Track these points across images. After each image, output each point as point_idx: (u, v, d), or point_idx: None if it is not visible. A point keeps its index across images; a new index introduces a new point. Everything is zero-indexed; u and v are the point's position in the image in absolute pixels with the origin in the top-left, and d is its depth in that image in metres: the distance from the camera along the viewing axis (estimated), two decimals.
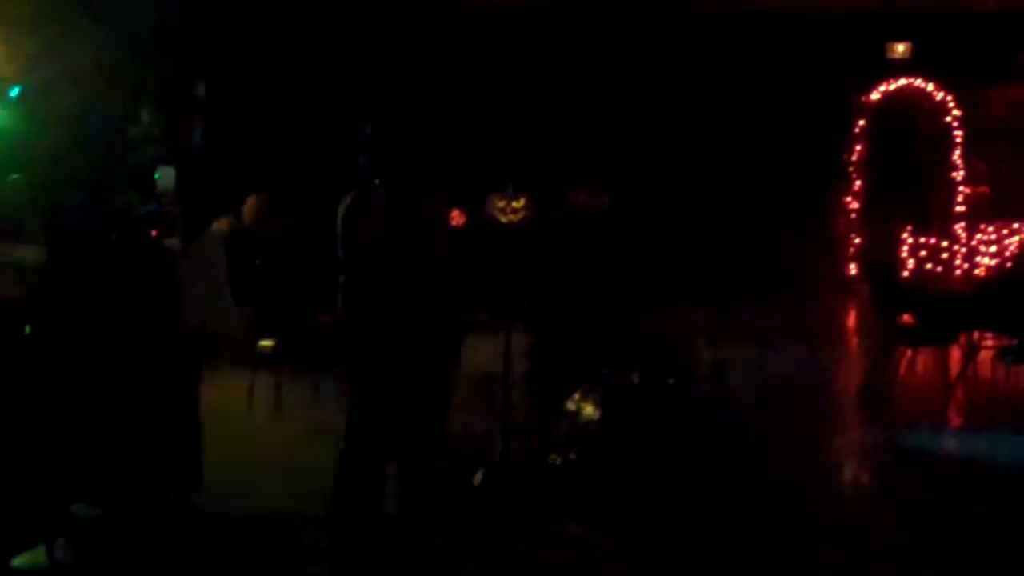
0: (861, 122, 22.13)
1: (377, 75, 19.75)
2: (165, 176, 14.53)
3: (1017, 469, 9.50)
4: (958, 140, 21.84)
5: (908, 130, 22.07)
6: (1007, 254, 21.11)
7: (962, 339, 12.43)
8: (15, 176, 10.40)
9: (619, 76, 20.89)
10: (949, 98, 21.85)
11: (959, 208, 21.82)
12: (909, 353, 12.49)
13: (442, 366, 7.22)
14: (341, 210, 6.90)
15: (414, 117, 7.32)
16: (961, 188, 21.91)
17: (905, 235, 21.68)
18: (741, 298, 18.63)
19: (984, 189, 21.96)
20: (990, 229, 21.56)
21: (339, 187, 7.08)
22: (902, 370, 12.41)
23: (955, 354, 12.63)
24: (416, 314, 6.90)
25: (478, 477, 7.99)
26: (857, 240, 22.15)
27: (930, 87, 21.91)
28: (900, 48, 21.89)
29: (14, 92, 14.45)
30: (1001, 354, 11.66)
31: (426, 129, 7.31)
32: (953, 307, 12.25)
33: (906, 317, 12.39)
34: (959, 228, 21.72)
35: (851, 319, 19.41)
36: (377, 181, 6.95)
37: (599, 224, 10.03)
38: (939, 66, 21.46)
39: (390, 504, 7.16)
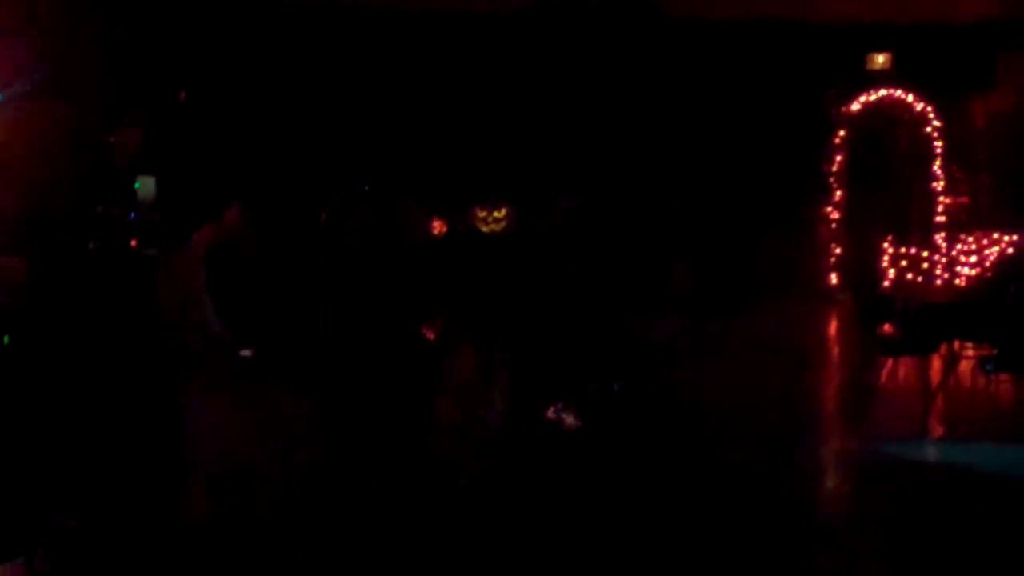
0: (841, 132, 22.18)
1: (359, 86, 19.75)
2: (145, 186, 14.49)
3: (998, 478, 9.50)
4: (938, 150, 21.90)
5: (888, 140, 22.13)
6: (987, 264, 21.14)
7: (943, 348, 12.45)
8: None
9: (598, 84, 20.92)
10: (929, 108, 21.90)
11: (939, 218, 21.87)
12: (890, 362, 12.50)
13: (422, 367, 7.25)
14: (326, 216, 6.96)
15: (397, 128, 7.43)
16: (941, 198, 21.96)
17: (886, 245, 21.70)
18: (721, 308, 18.65)
19: (964, 199, 22.01)
20: (970, 239, 21.59)
21: (320, 196, 7.11)
22: (883, 379, 12.42)
23: (936, 363, 12.65)
24: (393, 318, 6.95)
25: (464, 480, 8.00)
26: (838, 250, 22.20)
27: (910, 98, 21.97)
28: (880, 59, 21.95)
29: None
30: (981, 363, 11.67)
31: (410, 141, 7.42)
32: (934, 317, 12.26)
33: (887, 327, 12.40)
34: (939, 238, 21.75)
35: (832, 329, 19.44)
36: (366, 188, 6.98)
37: (580, 232, 10.03)
38: (919, 77, 21.52)
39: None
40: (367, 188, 6.96)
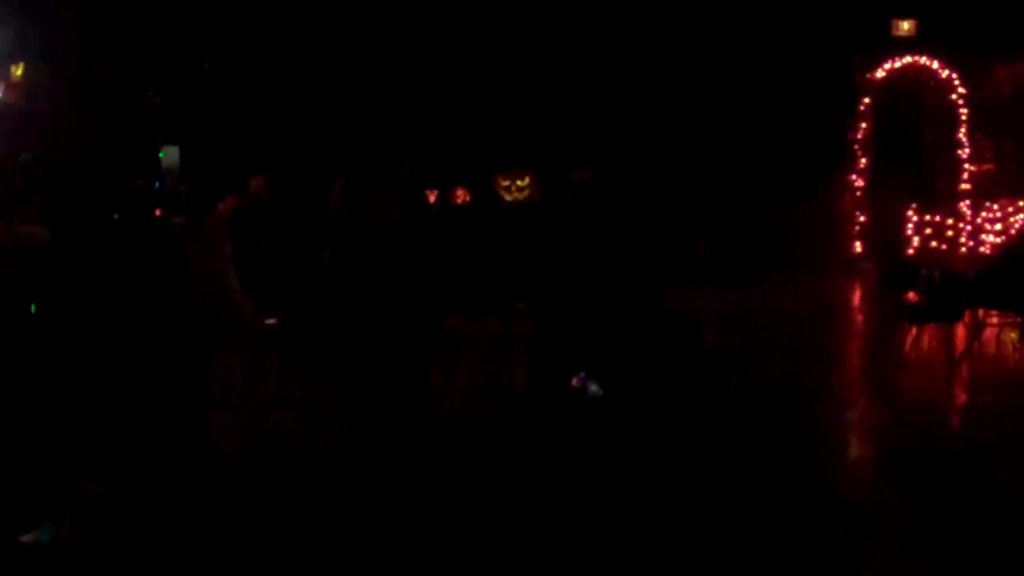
0: (866, 100, 22.10)
1: (378, 60, 19.76)
2: (169, 155, 14.55)
3: (1020, 447, 9.49)
4: (963, 118, 21.81)
5: (913, 108, 22.04)
6: (1012, 232, 21.08)
7: (967, 316, 12.43)
8: (23, 156, 10.41)
9: (623, 56, 20.89)
10: (954, 76, 21.81)
11: (964, 186, 21.80)
12: (914, 330, 12.49)
13: (419, 336, 7.38)
14: (334, 190, 7.10)
15: (402, 104, 7.67)
16: (966, 166, 21.88)
17: (910, 213, 21.65)
18: (744, 276, 18.63)
19: (989, 167, 21.92)
20: (995, 207, 21.53)
21: (339, 168, 7.20)
22: (907, 347, 12.41)
23: (960, 331, 12.63)
24: (395, 289, 7.10)
25: (485, 452, 8.03)
26: (862, 218, 22.15)
27: (935, 65, 21.87)
28: (905, 25, 21.85)
29: (19, 71, 14.45)
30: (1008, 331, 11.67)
31: (416, 119, 7.64)
32: (958, 285, 12.24)
33: (911, 295, 12.38)
34: (964, 206, 21.70)
35: (856, 297, 19.41)
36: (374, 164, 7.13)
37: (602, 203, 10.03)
38: (944, 44, 21.42)
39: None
40: (370, 161, 7.11)
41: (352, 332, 7.25)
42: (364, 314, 7.16)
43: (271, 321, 11.43)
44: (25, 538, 6.84)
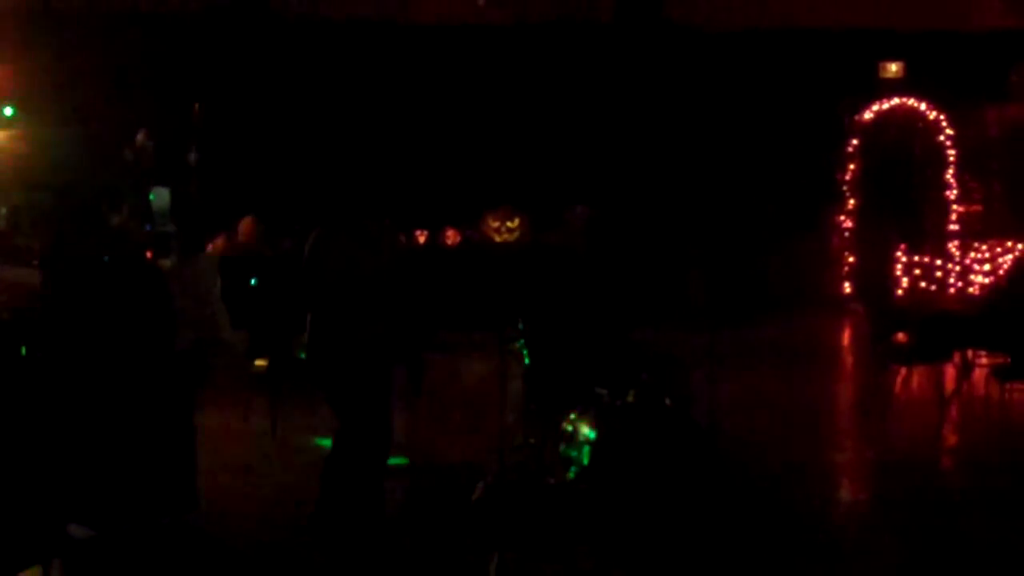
0: (854, 141, 22.18)
1: (366, 102, 19.85)
2: (160, 197, 14.55)
3: (1010, 487, 9.48)
4: (951, 159, 21.89)
5: (901, 149, 22.12)
6: (1001, 272, 21.13)
7: (956, 357, 12.44)
8: (10, 195, 10.40)
9: (611, 95, 20.95)
10: (942, 117, 21.90)
11: (953, 227, 21.86)
12: (903, 371, 12.50)
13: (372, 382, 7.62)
14: (307, 247, 7.51)
15: (371, 156, 8.05)
16: (955, 207, 21.95)
17: (899, 254, 21.71)
18: (734, 318, 18.61)
19: (977, 208, 22.00)
20: (984, 247, 21.59)
21: (330, 210, 7.42)
22: (896, 388, 12.41)
23: (949, 372, 12.64)
24: (376, 338, 7.41)
25: (474, 496, 8.00)
26: (851, 259, 22.19)
27: (923, 106, 21.97)
28: (893, 68, 21.96)
29: (9, 113, 14.48)
30: (995, 372, 11.66)
31: (379, 168, 8.03)
32: (947, 325, 12.25)
33: (900, 335, 12.39)
34: (953, 247, 21.76)
35: (845, 338, 19.42)
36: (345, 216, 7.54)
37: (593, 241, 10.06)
38: (932, 85, 21.51)
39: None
40: (339, 216, 7.48)
41: (317, 376, 7.64)
42: (325, 358, 7.52)
43: (261, 363, 11.43)
44: None
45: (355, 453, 7.48)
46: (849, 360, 17.42)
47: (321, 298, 7.49)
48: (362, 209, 7.60)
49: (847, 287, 22.00)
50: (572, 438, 8.44)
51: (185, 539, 7.77)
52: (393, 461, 8.18)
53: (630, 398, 8.54)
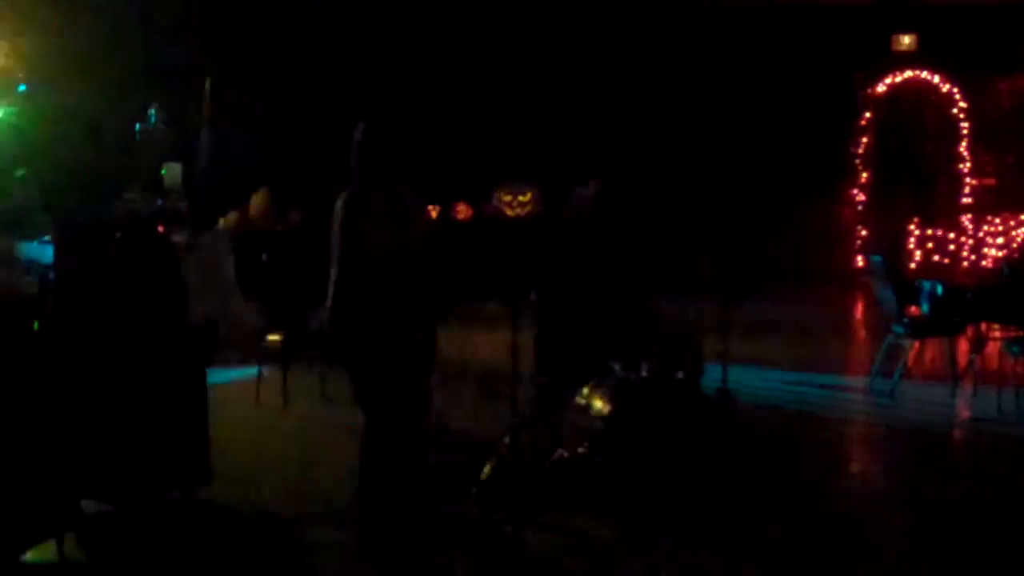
0: (867, 115, 22.13)
1: (379, 72, 19.79)
2: (172, 172, 14.54)
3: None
4: (964, 132, 21.84)
5: (914, 122, 22.07)
6: (1014, 245, 21.10)
7: (969, 331, 12.41)
8: (21, 172, 10.42)
9: (623, 69, 20.90)
10: (955, 90, 21.84)
11: (966, 200, 21.82)
12: (916, 345, 12.47)
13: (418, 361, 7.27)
14: (337, 210, 6.95)
15: (405, 118, 7.37)
16: (968, 180, 21.90)
17: (912, 227, 21.67)
18: (746, 291, 18.60)
19: (991, 181, 21.95)
20: (997, 221, 21.55)
21: (343, 184, 7.10)
22: (909, 362, 12.39)
23: (962, 346, 12.61)
24: (402, 312, 6.97)
25: (486, 470, 8.00)
26: (864, 232, 22.15)
27: (936, 79, 21.90)
28: (906, 40, 21.89)
29: (20, 88, 14.48)
30: (1008, 345, 11.63)
31: (416, 130, 7.37)
32: (960, 299, 12.22)
33: (913, 309, 12.37)
34: (966, 220, 21.72)
35: (858, 311, 19.40)
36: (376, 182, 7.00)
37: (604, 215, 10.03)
38: (945, 58, 21.45)
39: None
40: (376, 177, 6.96)
41: (363, 350, 7.11)
42: (375, 332, 7.03)
43: (274, 337, 11.44)
44: (27, 556, 6.84)
45: (387, 436, 7.18)
46: (861, 333, 17.39)
47: (350, 272, 7.04)
48: (397, 173, 7.20)
49: (860, 261, 21.97)
50: (585, 411, 8.43)
51: (197, 512, 7.80)
52: None
53: (643, 372, 8.54)
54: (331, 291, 6.97)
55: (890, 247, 20.85)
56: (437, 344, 7.82)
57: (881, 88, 22.08)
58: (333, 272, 6.97)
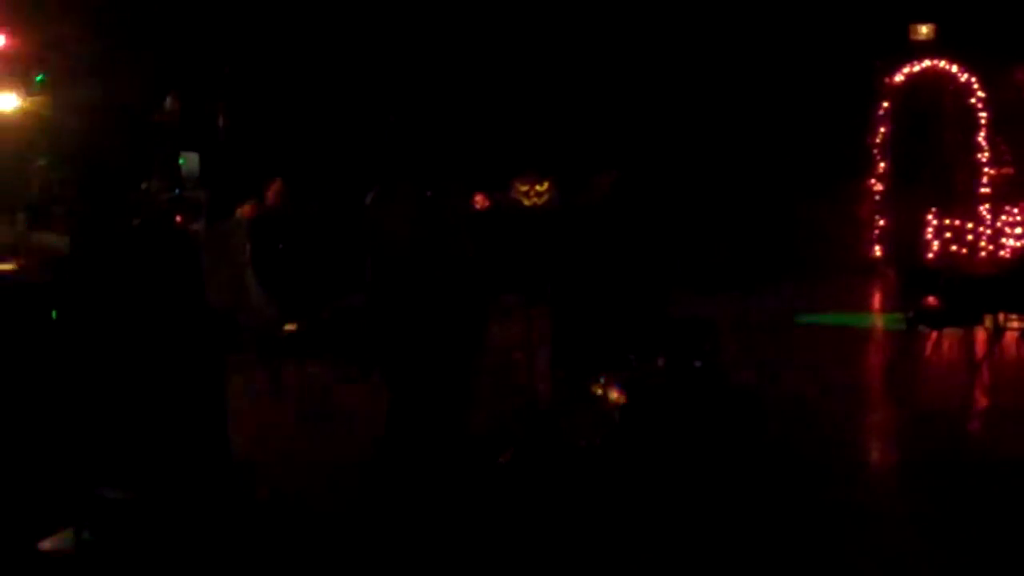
0: (885, 104, 22.07)
1: (399, 62, 19.77)
2: (189, 161, 14.55)
3: None
4: (983, 121, 21.77)
5: (933, 112, 22.01)
6: None
7: (987, 321, 12.39)
8: (41, 162, 10.42)
9: (642, 59, 20.87)
10: (973, 79, 21.77)
11: (984, 189, 21.76)
12: (934, 335, 12.45)
13: (464, 354, 7.21)
14: (369, 205, 6.91)
15: (437, 109, 7.35)
16: (986, 169, 21.84)
17: (930, 217, 21.62)
18: (764, 281, 18.60)
19: (1009, 170, 21.88)
20: (1015, 210, 21.49)
21: (360, 172, 7.09)
22: (927, 352, 12.37)
23: (980, 336, 12.59)
24: (442, 306, 6.91)
25: (505, 457, 8.01)
26: (882, 222, 22.10)
27: (954, 68, 21.83)
28: (924, 30, 21.82)
29: (38, 78, 14.49)
30: None
31: (449, 121, 7.30)
32: (978, 289, 12.19)
33: (931, 299, 12.34)
34: (984, 209, 21.65)
35: (876, 301, 19.36)
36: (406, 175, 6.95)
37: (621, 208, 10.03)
38: (963, 47, 21.38)
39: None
40: (406, 173, 6.89)
41: (400, 342, 7.06)
42: (414, 324, 6.96)
43: (291, 327, 11.45)
44: (45, 544, 6.86)
45: (410, 418, 7.10)
46: (879, 324, 17.36)
47: (382, 272, 6.92)
48: (418, 161, 7.24)
49: (878, 251, 21.93)
50: (602, 402, 8.44)
51: (215, 501, 7.81)
52: None
53: (660, 362, 8.54)
54: (368, 288, 6.93)
55: (908, 236, 20.85)
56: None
57: (899, 78, 22.02)
58: (369, 266, 6.93)
